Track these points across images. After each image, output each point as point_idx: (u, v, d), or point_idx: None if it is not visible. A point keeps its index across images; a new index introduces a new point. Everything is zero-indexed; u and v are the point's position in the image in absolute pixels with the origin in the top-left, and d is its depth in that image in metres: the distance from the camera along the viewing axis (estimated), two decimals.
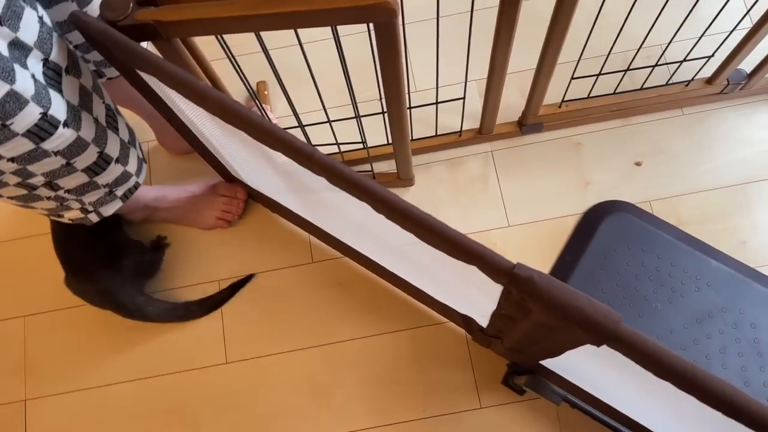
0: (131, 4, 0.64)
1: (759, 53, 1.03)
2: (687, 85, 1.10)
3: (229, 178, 1.11)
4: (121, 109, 0.89)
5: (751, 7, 0.93)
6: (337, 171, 0.61)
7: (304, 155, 0.62)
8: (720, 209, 1.13)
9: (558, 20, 0.80)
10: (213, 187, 1.13)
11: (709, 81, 1.10)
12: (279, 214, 1.15)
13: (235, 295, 1.13)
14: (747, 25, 0.98)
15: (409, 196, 1.17)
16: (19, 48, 0.62)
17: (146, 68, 0.66)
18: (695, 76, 1.08)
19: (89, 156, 0.76)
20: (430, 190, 1.17)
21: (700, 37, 0.98)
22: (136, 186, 0.92)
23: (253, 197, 1.15)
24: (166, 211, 1.13)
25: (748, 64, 1.07)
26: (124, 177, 0.87)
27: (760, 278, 1.07)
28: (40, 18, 0.64)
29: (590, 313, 0.53)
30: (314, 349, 1.10)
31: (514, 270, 0.55)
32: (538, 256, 1.12)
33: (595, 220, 1.12)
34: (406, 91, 0.78)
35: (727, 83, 1.09)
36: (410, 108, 0.92)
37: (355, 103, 0.87)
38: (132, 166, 0.87)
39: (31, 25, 0.63)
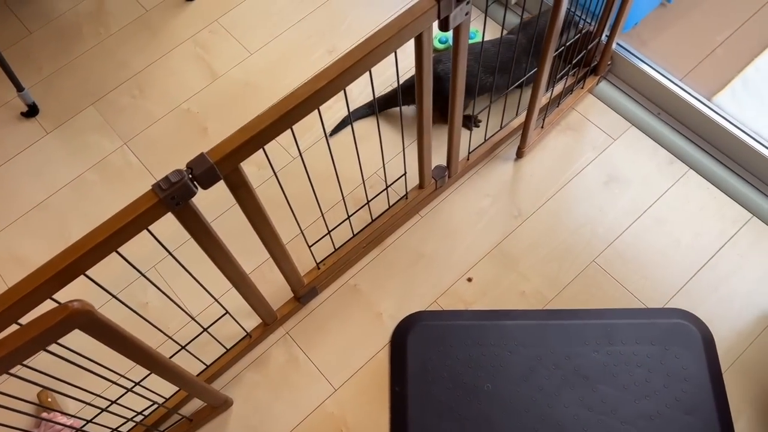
0: None
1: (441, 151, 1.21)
2: (407, 198, 1.24)
3: None
4: None
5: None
6: None
7: None
8: (490, 277, 1.26)
9: (258, 219, 0.88)
10: None
11: (421, 186, 1.25)
12: None
13: None
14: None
15: (234, 417, 1.16)
16: None
17: None
18: (407, 189, 1.23)
19: None
20: (251, 401, 1.17)
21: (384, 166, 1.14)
22: None
23: None
24: None
25: (441, 158, 1.25)
26: None
27: (550, 316, 1.20)
28: None
29: None
30: None
31: None
32: (375, 400, 1.16)
33: (401, 343, 1.19)
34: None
35: (435, 181, 1.26)
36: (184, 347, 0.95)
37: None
38: None
39: None
